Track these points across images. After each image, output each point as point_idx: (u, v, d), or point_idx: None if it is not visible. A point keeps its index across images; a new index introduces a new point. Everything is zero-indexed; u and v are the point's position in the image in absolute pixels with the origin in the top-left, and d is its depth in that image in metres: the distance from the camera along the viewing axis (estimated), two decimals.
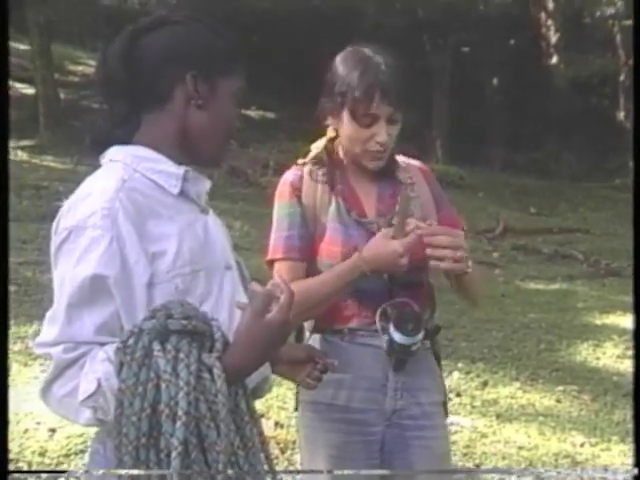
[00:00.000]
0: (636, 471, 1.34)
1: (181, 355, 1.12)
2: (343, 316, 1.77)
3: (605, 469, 3.28)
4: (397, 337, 1.70)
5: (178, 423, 1.08)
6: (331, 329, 1.78)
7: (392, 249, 1.64)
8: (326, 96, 1.77)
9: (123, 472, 1.11)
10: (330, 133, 1.82)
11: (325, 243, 1.75)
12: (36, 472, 2.58)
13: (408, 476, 1.82)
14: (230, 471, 1.13)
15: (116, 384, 1.13)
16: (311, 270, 1.78)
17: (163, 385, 1.10)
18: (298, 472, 2.51)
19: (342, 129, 1.77)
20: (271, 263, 1.81)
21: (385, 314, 1.74)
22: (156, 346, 1.12)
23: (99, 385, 1.16)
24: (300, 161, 1.84)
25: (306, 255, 1.77)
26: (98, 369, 1.17)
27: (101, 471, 1.22)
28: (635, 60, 1.61)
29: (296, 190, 1.78)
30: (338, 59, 1.77)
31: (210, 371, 1.13)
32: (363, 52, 1.76)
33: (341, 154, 1.82)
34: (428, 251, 1.64)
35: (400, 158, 1.88)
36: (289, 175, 1.82)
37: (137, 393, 1.10)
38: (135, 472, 1.10)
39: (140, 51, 1.30)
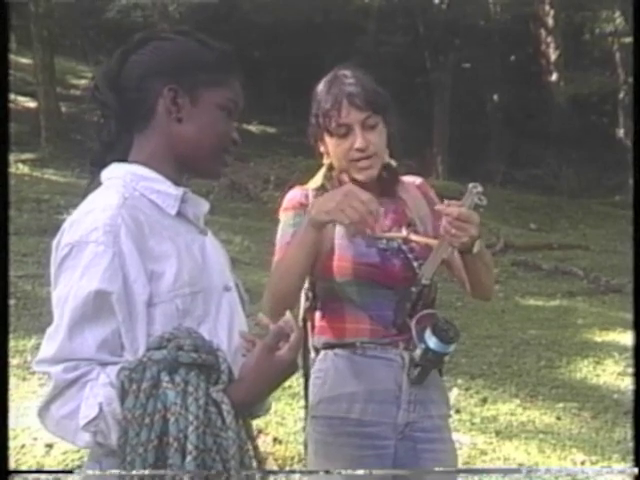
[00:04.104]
0: (636, 471, 1.34)
1: (190, 388, 1.12)
2: (355, 329, 1.77)
3: (605, 468, 3.26)
4: (433, 344, 1.69)
5: (188, 457, 1.08)
6: (342, 342, 1.78)
7: (340, 191, 1.59)
8: (309, 124, 1.81)
9: (127, 473, 1.10)
10: (326, 161, 1.85)
11: (335, 260, 1.76)
12: (36, 472, 2.56)
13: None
14: None
15: (118, 409, 1.12)
16: (324, 288, 1.78)
17: (172, 418, 1.09)
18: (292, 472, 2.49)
19: (329, 150, 1.80)
20: None
21: (420, 323, 1.73)
22: (164, 377, 1.11)
23: (101, 410, 1.14)
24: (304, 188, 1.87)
25: None
26: (99, 393, 1.15)
27: (106, 472, 1.20)
28: (635, 77, 1.62)
29: (303, 205, 1.80)
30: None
31: (217, 405, 1.13)
32: (333, 72, 1.81)
33: (341, 178, 1.83)
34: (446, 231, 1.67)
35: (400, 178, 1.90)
36: (296, 192, 1.84)
37: (144, 424, 1.09)
38: (141, 472, 1.09)
39: (126, 70, 1.31)
